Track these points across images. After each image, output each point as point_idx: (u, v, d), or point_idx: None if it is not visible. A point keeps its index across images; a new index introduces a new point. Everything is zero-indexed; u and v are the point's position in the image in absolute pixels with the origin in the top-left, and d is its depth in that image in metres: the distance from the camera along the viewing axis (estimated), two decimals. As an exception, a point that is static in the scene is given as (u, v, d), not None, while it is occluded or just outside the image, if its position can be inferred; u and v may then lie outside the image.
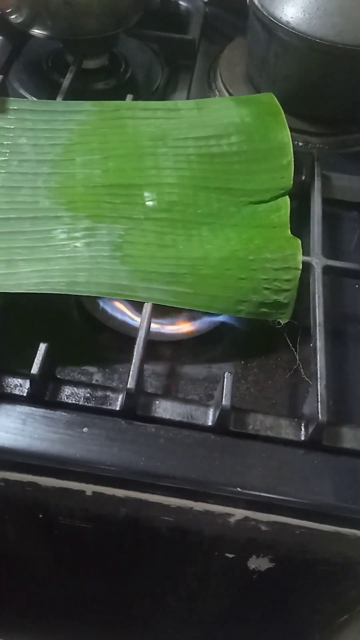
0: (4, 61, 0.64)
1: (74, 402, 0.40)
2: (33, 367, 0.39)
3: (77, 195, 0.47)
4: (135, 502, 0.41)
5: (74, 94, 0.58)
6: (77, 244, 0.43)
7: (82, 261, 0.42)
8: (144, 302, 0.42)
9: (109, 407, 0.40)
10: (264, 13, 0.56)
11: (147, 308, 0.42)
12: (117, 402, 0.40)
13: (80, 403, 0.40)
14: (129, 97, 0.56)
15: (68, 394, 0.40)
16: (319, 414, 0.38)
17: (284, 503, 0.38)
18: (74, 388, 0.40)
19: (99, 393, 0.40)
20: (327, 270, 0.46)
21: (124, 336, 0.44)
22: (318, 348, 0.41)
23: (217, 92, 0.65)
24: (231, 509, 0.40)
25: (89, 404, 0.40)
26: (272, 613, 0.57)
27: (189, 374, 0.44)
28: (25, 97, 0.61)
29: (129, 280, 0.42)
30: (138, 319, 0.42)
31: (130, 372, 0.39)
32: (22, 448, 0.38)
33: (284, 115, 0.53)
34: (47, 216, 0.45)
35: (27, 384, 0.40)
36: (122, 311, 0.45)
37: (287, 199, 0.49)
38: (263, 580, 0.48)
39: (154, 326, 0.44)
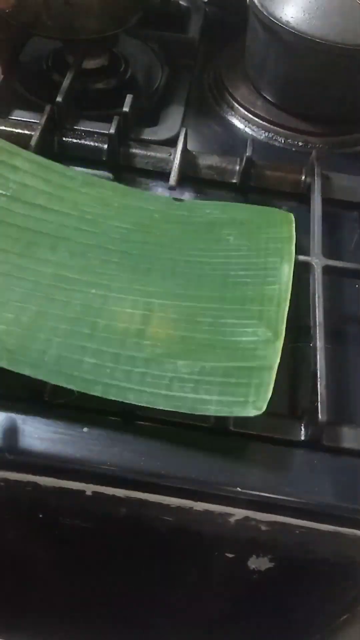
0: (4, 61, 0.63)
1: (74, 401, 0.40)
2: (33, 367, 0.39)
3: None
4: (135, 502, 0.41)
5: (73, 94, 0.58)
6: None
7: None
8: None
9: (109, 407, 0.39)
10: (264, 13, 0.56)
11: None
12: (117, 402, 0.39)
13: (80, 403, 0.40)
14: (129, 97, 0.56)
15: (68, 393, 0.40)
16: (319, 414, 0.38)
17: (284, 503, 0.38)
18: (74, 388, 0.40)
19: (99, 393, 0.40)
20: (327, 270, 0.46)
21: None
22: (318, 348, 0.41)
23: (216, 92, 0.65)
24: (231, 508, 0.40)
25: (89, 404, 0.40)
26: (272, 613, 0.56)
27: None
28: (26, 97, 0.61)
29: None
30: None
31: (130, 372, 0.39)
32: (22, 448, 0.38)
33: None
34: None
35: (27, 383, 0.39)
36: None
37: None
38: (263, 580, 0.48)
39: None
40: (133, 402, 0.38)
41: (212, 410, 0.38)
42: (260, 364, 0.40)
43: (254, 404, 0.37)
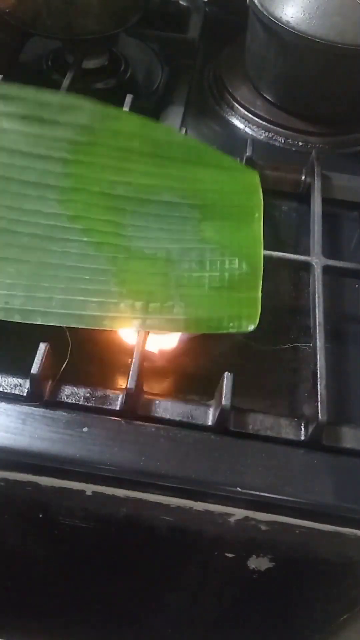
0: (4, 61, 0.63)
1: (74, 402, 0.40)
2: (33, 367, 0.39)
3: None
4: (135, 502, 0.41)
5: (74, 94, 0.58)
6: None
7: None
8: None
9: (109, 407, 0.40)
10: (264, 13, 0.56)
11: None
12: (117, 402, 0.40)
13: (80, 403, 0.40)
14: (129, 97, 0.56)
15: (68, 393, 0.40)
16: (319, 414, 0.38)
17: (284, 503, 0.38)
18: (74, 388, 0.40)
19: (99, 393, 0.40)
20: (327, 270, 0.46)
21: (124, 335, 0.44)
22: (318, 348, 0.41)
23: (216, 92, 0.65)
24: (231, 508, 0.40)
25: (89, 404, 0.40)
26: (272, 613, 0.56)
27: (189, 374, 0.44)
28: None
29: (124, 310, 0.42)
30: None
31: (130, 372, 0.39)
32: (22, 448, 0.38)
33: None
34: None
35: (27, 384, 0.40)
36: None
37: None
38: (263, 580, 0.48)
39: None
40: (140, 329, 0.41)
41: (213, 327, 0.42)
42: (247, 287, 0.44)
43: (248, 319, 0.42)
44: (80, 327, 0.41)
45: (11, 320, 0.40)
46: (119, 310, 0.42)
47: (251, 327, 0.41)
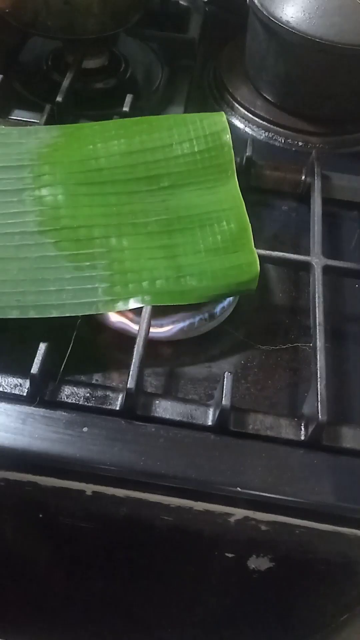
0: (4, 61, 0.63)
1: (74, 401, 0.40)
2: (33, 367, 0.39)
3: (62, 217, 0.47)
4: (135, 502, 0.41)
5: (73, 94, 0.58)
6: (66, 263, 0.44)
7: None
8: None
9: (109, 407, 0.40)
10: (264, 13, 0.56)
11: (146, 307, 0.42)
12: (117, 402, 0.40)
13: (80, 403, 0.40)
14: (129, 97, 0.56)
15: (68, 393, 0.40)
16: (319, 414, 0.38)
17: (284, 503, 0.38)
18: (74, 388, 0.40)
19: (99, 393, 0.40)
20: (327, 270, 0.46)
21: (124, 336, 0.44)
22: (318, 348, 0.41)
23: (216, 92, 0.65)
24: (231, 508, 0.40)
25: (89, 404, 0.40)
26: (272, 613, 0.56)
27: (189, 374, 0.44)
28: (26, 97, 0.61)
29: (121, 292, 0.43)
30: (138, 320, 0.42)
31: (130, 372, 0.39)
32: (22, 448, 0.38)
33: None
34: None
35: (27, 384, 0.40)
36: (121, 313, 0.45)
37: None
38: (263, 580, 0.48)
39: (154, 328, 0.44)
40: (152, 304, 0.42)
41: (219, 292, 0.43)
42: (240, 246, 0.45)
43: (249, 281, 0.44)
44: (93, 313, 0.42)
45: (27, 317, 0.41)
46: (129, 292, 0.42)
47: (254, 284, 0.43)
